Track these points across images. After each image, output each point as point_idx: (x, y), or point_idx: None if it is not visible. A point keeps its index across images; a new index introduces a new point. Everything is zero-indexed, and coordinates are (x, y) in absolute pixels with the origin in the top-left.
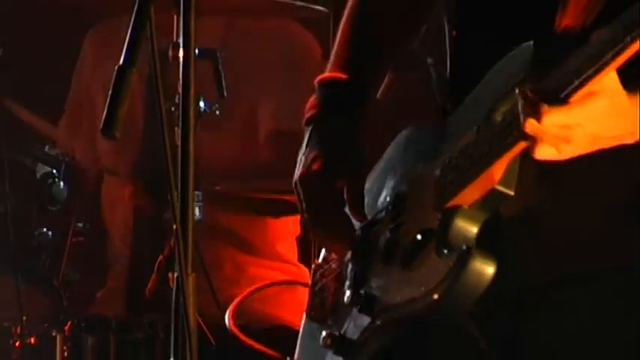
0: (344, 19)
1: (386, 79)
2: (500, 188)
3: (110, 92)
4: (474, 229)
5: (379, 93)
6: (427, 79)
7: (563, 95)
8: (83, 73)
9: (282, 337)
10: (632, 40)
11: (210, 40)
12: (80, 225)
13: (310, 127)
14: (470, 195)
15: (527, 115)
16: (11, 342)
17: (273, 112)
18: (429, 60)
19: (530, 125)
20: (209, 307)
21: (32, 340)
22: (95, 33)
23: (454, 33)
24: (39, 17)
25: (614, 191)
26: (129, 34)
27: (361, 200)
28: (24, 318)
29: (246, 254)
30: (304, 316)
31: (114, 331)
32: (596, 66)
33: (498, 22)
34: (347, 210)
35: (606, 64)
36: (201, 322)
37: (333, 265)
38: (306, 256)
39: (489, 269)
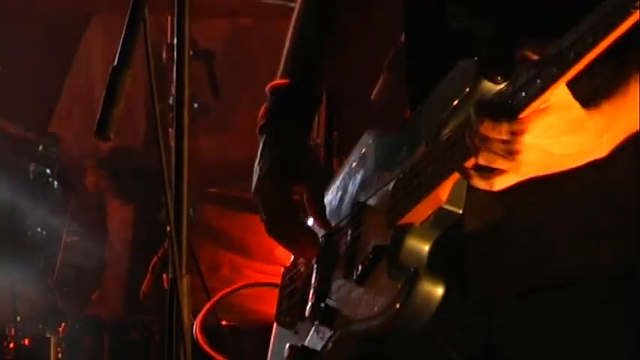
0: (292, 22)
1: (381, 80)
2: (448, 207)
3: (104, 93)
4: (425, 248)
5: (374, 94)
6: None
7: (511, 110)
8: (84, 62)
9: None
10: (577, 58)
11: (212, 40)
12: (75, 224)
13: (263, 136)
14: (420, 213)
15: (472, 132)
16: (5, 343)
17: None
18: None
19: (473, 142)
20: (203, 307)
21: (26, 341)
22: (99, 21)
23: (404, 39)
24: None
25: (580, 201)
26: (123, 34)
27: (321, 206)
28: (18, 319)
29: (243, 257)
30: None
31: (108, 333)
32: (543, 82)
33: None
34: (309, 217)
35: (553, 80)
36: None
37: (302, 269)
38: None
39: (438, 290)
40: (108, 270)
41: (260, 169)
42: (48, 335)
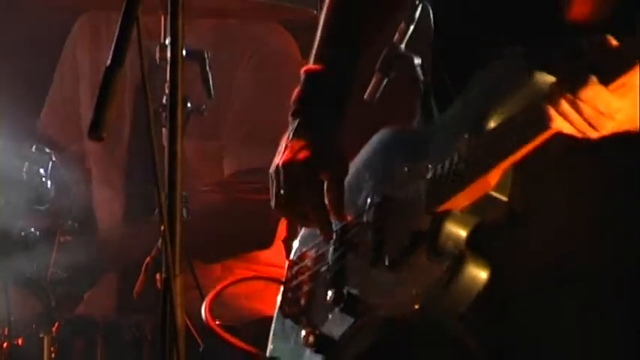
0: (324, 8)
1: (373, 81)
2: (495, 194)
3: (98, 94)
4: (463, 234)
5: (366, 95)
6: (414, 79)
7: (609, 78)
8: (70, 62)
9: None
10: None
11: (199, 41)
12: (69, 224)
13: (297, 120)
14: (463, 200)
15: (565, 91)
16: None
17: (250, 112)
18: (417, 61)
19: (570, 100)
20: (197, 307)
21: (19, 341)
22: (85, 20)
23: (436, 34)
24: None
25: (594, 200)
26: (116, 35)
27: (342, 198)
28: (11, 319)
29: (234, 259)
30: (276, 312)
31: (101, 333)
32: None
33: (479, 23)
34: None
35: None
36: (188, 324)
37: (309, 263)
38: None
39: (482, 274)
40: (98, 270)
41: (291, 146)
42: (41, 335)
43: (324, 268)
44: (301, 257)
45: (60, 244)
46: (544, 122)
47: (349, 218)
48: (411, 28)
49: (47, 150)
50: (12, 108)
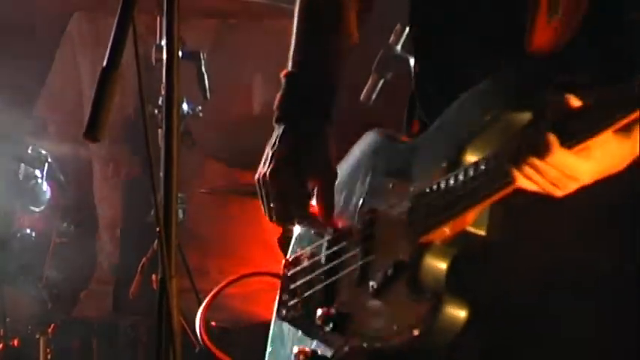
0: (295, 13)
1: (369, 82)
2: (472, 230)
3: (94, 95)
4: (443, 266)
5: (362, 96)
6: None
7: (573, 142)
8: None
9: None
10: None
11: (203, 40)
12: (64, 226)
13: (281, 127)
14: (442, 233)
15: (530, 153)
16: None
17: (264, 88)
18: (412, 61)
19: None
20: (192, 308)
21: (15, 342)
22: (82, 19)
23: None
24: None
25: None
26: (112, 36)
27: (332, 203)
28: (7, 320)
29: (228, 261)
30: (274, 315)
31: (97, 334)
32: (606, 123)
33: (461, 39)
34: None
35: (614, 123)
36: (184, 325)
37: (305, 266)
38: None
39: (461, 314)
40: (99, 269)
41: (278, 154)
42: (37, 336)
43: (318, 278)
44: (298, 258)
45: (55, 245)
46: (508, 180)
47: (339, 225)
48: (407, 29)
49: (43, 152)
50: (8, 109)
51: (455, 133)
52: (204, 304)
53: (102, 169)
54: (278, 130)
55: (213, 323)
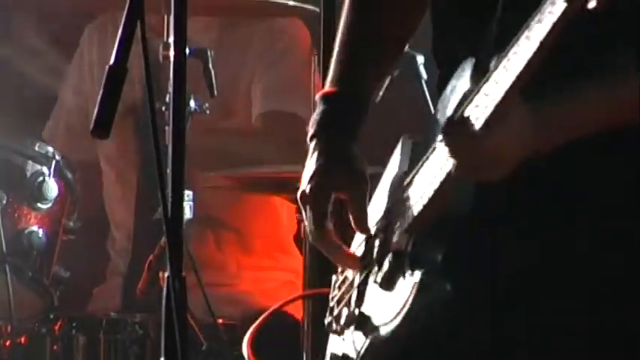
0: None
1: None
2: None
3: (101, 92)
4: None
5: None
6: (418, 78)
7: (476, 123)
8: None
9: (281, 324)
10: None
11: (204, 38)
12: (71, 223)
13: (312, 146)
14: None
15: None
16: (1, 341)
17: (262, 93)
18: (419, 59)
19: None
20: (199, 306)
21: (22, 339)
22: (96, 25)
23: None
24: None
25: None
26: (119, 34)
27: (364, 213)
28: (14, 317)
29: (248, 256)
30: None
31: (104, 331)
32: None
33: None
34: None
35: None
36: (192, 322)
37: (348, 275)
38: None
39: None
40: (112, 264)
41: (312, 177)
42: (44, 333)
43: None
44: (342, 271)
45: (62, 242)
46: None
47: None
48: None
49: (50, 149)
50: (16, 107)
51: (439, 121)
52: (252, 327)
53: (110, 167)
54: (310, 151)
55: (220, 320)
